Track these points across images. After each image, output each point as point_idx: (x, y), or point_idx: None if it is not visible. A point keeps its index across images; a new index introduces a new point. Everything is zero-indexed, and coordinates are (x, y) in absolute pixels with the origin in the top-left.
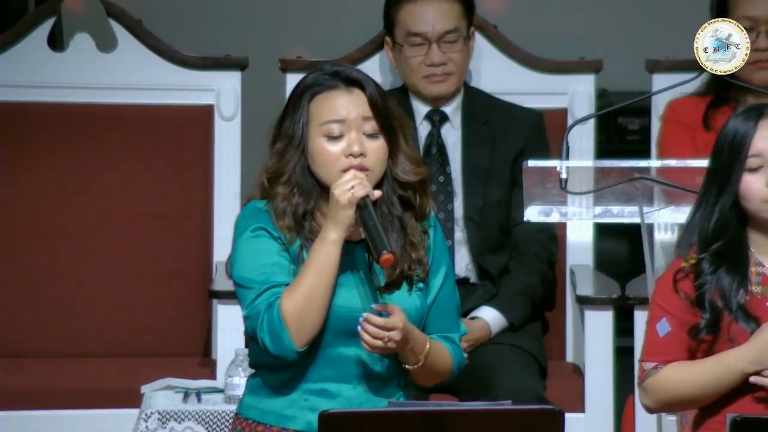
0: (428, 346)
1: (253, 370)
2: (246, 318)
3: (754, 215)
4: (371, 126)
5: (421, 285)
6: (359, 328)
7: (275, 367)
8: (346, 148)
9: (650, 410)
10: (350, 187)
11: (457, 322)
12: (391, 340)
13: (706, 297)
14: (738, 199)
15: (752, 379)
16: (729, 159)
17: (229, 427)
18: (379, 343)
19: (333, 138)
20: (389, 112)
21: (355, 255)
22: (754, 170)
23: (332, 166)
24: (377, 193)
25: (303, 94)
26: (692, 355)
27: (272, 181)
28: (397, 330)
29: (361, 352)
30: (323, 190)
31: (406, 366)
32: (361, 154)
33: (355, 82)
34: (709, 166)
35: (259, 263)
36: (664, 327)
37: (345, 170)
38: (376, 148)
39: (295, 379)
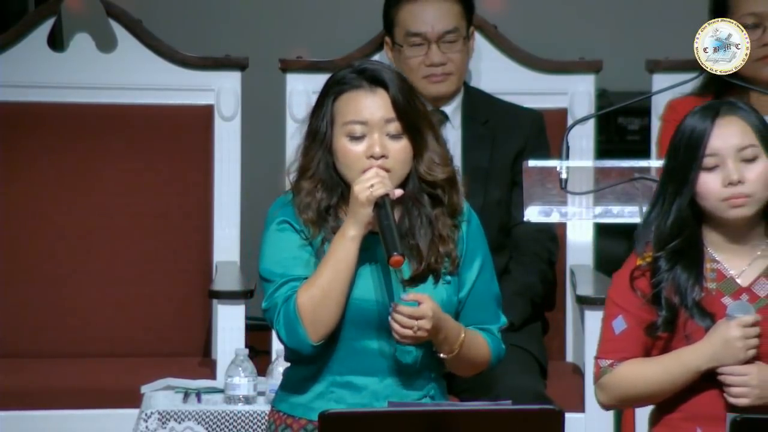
0: (463, 336)
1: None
2: (264, 310)
3: (711, 214)
4: (394, 127)
5: (449, 278)
6: (389, 317)
7: (304, 361)
8: (368, 149)
9: (605, 407)
10: (370, 185)
11: (495, 312)
12: (420, 329)
13: (663, 294)
14: (695, 197)
15: (722, 369)
16: (686, 157)
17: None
18: (408, 332)
19: (355, 138)
20: (414, 111)
21: (377, 248)
22: (710, 169)
23: (355, 165)
24: (398, 192)
25: (328, 91)
26: (647, 353)
27: (298, 177)
28: (427, 318)
29: (385, 345)
30: (347, 187)
31: (441, 355)
32: (383, 156)
33: (380, 82)
34: (665, 164)
35: (281, 257)
36: (620, 324)
37: (366, 171)
38: (399, 149)
39: (321, 371)
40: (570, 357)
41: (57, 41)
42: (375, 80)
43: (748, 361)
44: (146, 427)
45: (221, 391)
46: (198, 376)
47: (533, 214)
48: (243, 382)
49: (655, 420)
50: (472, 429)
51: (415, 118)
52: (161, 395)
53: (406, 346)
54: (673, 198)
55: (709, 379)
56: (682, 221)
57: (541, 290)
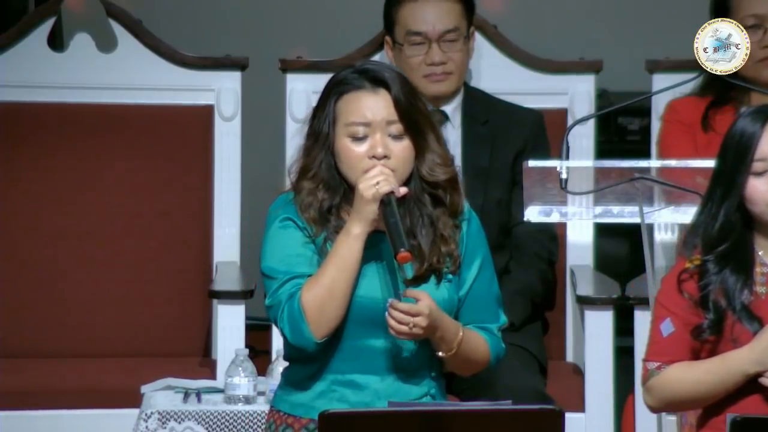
0: (461, 334)
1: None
2: (268, 307)
3: (760, 218)
4: (396, 128)
5: (450, 277)
6: (386, 313)
7: (305, 360)
8: (370, 149)
9: (653, 410)
10: (375, 183)
11: (495, 312)
12: (416, 326)
13: (710, 297)
14: (743, 201)
15: (762, 380)
16: (735, 161)
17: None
18: (404, 328)
19: (358, 139)
20: (416, 111)
21: (382, 246)
22: (759, 174)
23: (357, 166)
24: (403, 190)
25: (330, 92)
26: (695, 356)
27: (299, 176)
28: (423, 316)
29: (387, 343)
30: (349, 187)
31: (440, 354)
32: (385, 156)
33: (382, 82)
34: (715, 168)
35: (284, 254)
36: (667, 327)
37: (369, 169)
38: (401, 149)
39: (323, 370)
40: (570, 357)
41: (57, 41)
42: (377, 81)
43: None
44: (146, 427)
45: (221, 391)
46: (198, 376)
47: (533, 214)
48: (243, 382)
49: (702, 423)
50: (472, 429)
51: (416, 118)
52: (161, 395)
53: (404, 341)
54: (721, 202)
55: (757, 383)
56: (730, 225)
57: (541, 290)
